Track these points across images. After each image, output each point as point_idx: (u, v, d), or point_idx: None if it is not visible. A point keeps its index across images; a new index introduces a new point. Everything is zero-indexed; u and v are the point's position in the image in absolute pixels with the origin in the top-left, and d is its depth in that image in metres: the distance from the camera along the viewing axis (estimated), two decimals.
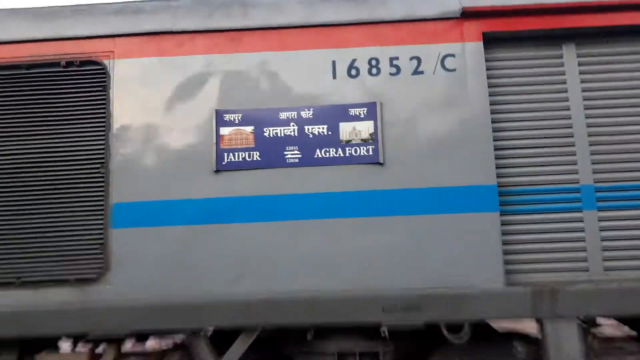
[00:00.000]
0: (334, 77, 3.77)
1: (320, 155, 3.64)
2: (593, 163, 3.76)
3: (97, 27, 3.88)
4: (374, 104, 3.71)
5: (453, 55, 3.76)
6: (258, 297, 3.49)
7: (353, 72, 3.78)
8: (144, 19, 3.90)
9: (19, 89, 3.80)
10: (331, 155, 3.64)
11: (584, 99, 3.84)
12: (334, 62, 3.78)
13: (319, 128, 3.68)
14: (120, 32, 3.84)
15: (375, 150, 3.64)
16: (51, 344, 3.75)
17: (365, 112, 3.70)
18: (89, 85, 3.81)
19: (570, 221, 3.69)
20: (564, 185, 3.74)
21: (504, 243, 3.64)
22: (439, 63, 3.76)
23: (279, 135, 3.69)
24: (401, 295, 3.46)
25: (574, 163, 3.76)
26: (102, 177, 3.67)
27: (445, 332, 3.52)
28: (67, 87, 3.82)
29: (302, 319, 3.49)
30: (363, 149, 3.66)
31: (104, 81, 3.78)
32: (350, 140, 3.67)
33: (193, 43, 3.84)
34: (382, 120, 3.68)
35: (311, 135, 3.67)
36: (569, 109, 3.83)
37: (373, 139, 3.66)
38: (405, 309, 3.46)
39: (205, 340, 3.62)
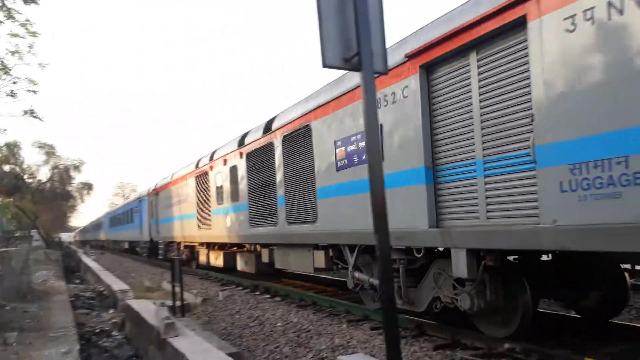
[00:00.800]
0: None
1: (364, 158, 6.84)
2: (483, 143, 5.11)
3: (305, 107, 8.43)
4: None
5: (407, 86, 6.00)
6: (354, 230, 7.21)
7: None
8: (313, 101, 8.16)
9: (295, 142, 8.92)
10: (365, 158, 6.75)
11: (479, 94, 5.22)
12: None
13: (361, 143, 6.85)
14: (313, 108, 8.26)
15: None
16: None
17: None
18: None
19: (471, 185, 5.30)
20: (468, 161, 5.33)
21: (440, 202, 5.70)
22: (401, 93, 6.10)
23: (351, 150, 7.14)
24: (396, 232, 6.29)
25: (473, 144, 5.25)
26: (314, 178, 8.27)
27: (415, 252, 6.07)
28: (303, 136, 8.61)
29: (362, 242, 6.98)
30: None
31: (310, 136, 8.31)
32: None
33: (329, 108, 7.78)
34: (383, 134, 6.44)
35: (360, 148, 6.91)
36: (471, 105, 5.27)
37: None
38: (398, 238, 6.28)
39: (347, 248, 7.66)
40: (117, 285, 12.46)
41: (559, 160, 4.21)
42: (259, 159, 10.55)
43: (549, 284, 5.82)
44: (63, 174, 45.94)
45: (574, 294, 6.20)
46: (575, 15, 4.07)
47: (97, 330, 8.88)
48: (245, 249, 13.21)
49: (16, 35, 11.70)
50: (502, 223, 5.03)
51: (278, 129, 9.58)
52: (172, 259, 10.33)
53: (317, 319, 8.46)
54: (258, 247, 12.21)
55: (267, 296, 11.64)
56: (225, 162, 12.50)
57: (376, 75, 3.43)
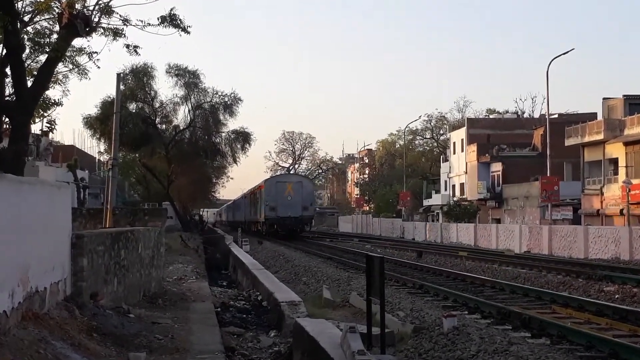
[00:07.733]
0: None
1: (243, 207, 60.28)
2: (264, 204, 46.41)
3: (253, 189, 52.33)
4: None
5: (258, 192, 51.95)
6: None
7: None
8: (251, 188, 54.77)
9: None
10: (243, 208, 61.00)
11: (256, 195, 52.23)
12: None
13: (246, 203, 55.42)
14: (257, 187, 53.62)
15: None
16: None
17: None
18: None
19: None
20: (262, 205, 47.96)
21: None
22: (257, 193, 52.37)
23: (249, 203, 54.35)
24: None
25: (260, 205, 50.24)
26: None
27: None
28: None
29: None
30: None
31: (260, 194, 49.96)
32: None
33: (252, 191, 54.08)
34: (257, 199, 54.01)
35: (244, 205, 60.71)
36: (259, 197, 50.86)
37: None
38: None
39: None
40: (283, 293, 11.20)
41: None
42: (252, 196, 49.78)
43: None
44: (209, 117, 37.16)
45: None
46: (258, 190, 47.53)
47: None
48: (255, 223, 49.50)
49: None
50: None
51: (255, 189, 49.62)
52: (371, 256, 7.60)
53: None
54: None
55: (526, 334, 9.16)
56: (247, 195, 54.84)
57: None
